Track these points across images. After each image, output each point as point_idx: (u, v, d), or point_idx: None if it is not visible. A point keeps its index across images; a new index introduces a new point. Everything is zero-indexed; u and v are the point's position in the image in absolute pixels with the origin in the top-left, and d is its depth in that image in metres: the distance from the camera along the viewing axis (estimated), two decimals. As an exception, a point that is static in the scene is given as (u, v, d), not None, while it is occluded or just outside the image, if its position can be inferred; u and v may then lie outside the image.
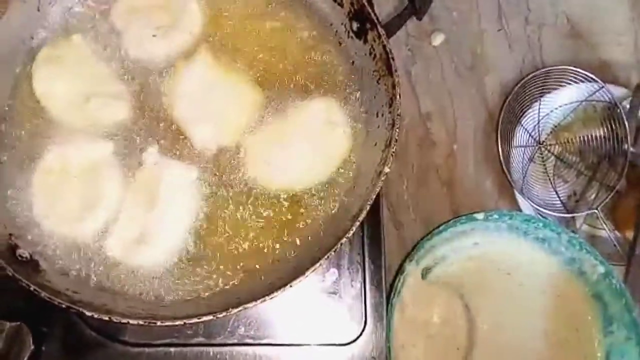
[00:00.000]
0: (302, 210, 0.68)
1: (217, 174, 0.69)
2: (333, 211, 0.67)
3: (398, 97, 0.63)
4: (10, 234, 0.63)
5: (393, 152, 0.61)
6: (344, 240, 0.58)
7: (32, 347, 0.71)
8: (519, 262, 0.85)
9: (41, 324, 0.73)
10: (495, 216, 0.83)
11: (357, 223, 0.59)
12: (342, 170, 0.70)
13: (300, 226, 0.67)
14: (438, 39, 1.02)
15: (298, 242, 0.66)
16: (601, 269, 0.81)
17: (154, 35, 0.72)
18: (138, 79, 0.72)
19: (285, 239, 0.66)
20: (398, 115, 0.62)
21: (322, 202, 0.68)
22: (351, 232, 0.58)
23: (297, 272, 0.58)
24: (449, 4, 1.03)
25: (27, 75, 0.70)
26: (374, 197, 0.60)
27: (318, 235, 0.66)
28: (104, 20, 0.73)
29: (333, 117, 0.71)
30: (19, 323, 0.71)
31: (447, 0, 1.04)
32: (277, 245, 0.66)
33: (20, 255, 0.62)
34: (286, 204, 0.68)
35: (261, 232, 0.67)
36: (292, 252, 0.65)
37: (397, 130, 0.62)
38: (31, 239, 0.65)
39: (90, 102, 0.70)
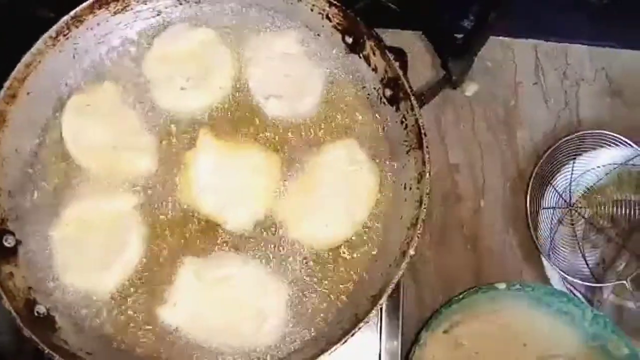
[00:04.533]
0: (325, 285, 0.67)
1: (264, 249, 0.68)
2: (352, 287, 0.66)
3: (428, 174, 0.61)
4: (30, 287, 0.63)
5: (419, 233, 0.59)
6: (362, 325, 0.57)
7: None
8: (539, 333, 0.83)
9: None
10: (517, 287, 0.81)
11: (378, 307, 0.57)
12: (366, 238, 0.68)
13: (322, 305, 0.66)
14: (471, 89, 0.99)
15: (317, 320, 0.65)
16: (626, 351, 0.78)
17: (182, 88, 0.71)
18: (166, 131, 0.71)
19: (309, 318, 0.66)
20: (427, 194, 0.61)
21: (343, 275, 0.67)
22: (371, 315, 0.57)
23: (314, 352, 0.57)
24: (484, 53, 1.00)
25: (57, 121, 0.70)
26: (397, 279, 0.58)
27: (337, 312, 0.65)
28: (136, 68, 0.73)
29: (356, 156, 0.70)
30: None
31: (482, 49, 1.01)
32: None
33: (37, 312, 0.62)
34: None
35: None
36: (312, 331, 0.64)
37: (425, 210, 0.60)
38: (50, 293, 0.65)
39: (117, 153, 0.69)
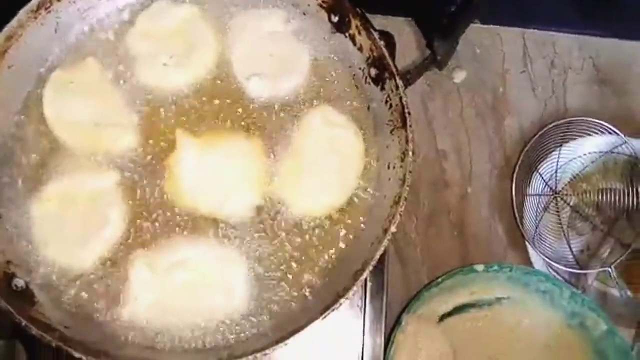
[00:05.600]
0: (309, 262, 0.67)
1: (266, 231, 0.68)
2: (331, 265, 0.66)
3: (411, 153, 0.61)
4: (9, 261, 0.63)
5: (401, 211, 0.59)
6: (342, 300, 0.56)
7: (26, 365, 0.71)
8: (519, 314, 0.83)
9: (35, 342, 0.73)
10: (495, 268, 0.81)
11: (359, 283, 0.57)
12: (348, 221, 0.68)
13: (303, 279, 0.66)
14: (459, 76, 0.99)
15: (297, 296, 0.65)
16: (604, 326, 0.79)
17: (164, 65, 0.70)
18: (148, 108, 0.70)
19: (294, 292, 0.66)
20: (409, 172, 0.61)
21: (321, 254, 0.67)
22: (351, 292, 0.57)
23: (294, 327, 0.57)
24: (472, 40, 1.01)
25: (38, 97, 0.70)
26: (378, 256, 0.58)
27: (319, 287, 0.65)
28: (120, 45, 0.72)
29: (334, 120, 0.70)
30: (13, 340, 0.71)
31: (470, 35, 1.01)
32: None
33: (15, 285, 0.61)
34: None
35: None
36: (291, 307, 0.64)
37: (407, 188, 0.60)
38: (29, 267, 0.64)
39: (99, 129, 0.69)
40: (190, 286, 0.64)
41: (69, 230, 0.65)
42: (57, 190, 0.66)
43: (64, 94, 0.69)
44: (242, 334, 0.63)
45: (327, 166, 0.69)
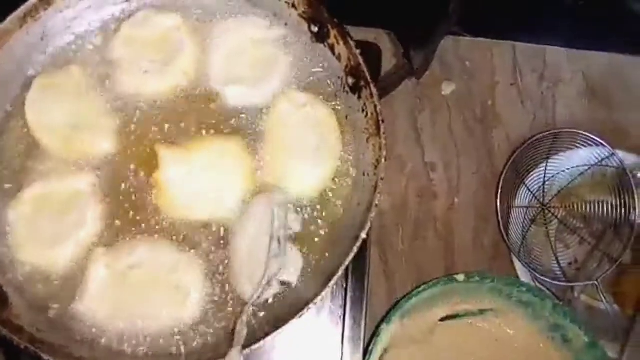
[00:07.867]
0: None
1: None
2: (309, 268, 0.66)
3: (383, 160, 0.61)
4: (-17, 264, 0.63)
5: (372, 217, 0.59)
6: (311, 305, 0.56)
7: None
8: (502, 326, 0.83)
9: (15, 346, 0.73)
10: (477, 278, 0.80)
11: (328, 288, 0.57)
12: (321, 224, 0.69)
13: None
14: (448, 89, 1.00)
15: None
16: (586, 339, 0.78)
17: (145, 72, 0.72)
18: (128, 114, 0.72)
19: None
20: (381, 179, 0.61)
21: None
22: (320, 297, 0.57)
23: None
24: (462, 53, 1.01)
25: (22, 101, 0.71)
26: (349, 261, 0.58)
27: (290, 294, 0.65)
28: (103, 52, 0.74)
29: (298, 101, 0.71)
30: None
31: (460, 50, 1.02)
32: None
33: (-11, 288, 0.62)
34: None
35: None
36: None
37: (379, 194, 0.60)
38: (4, 269, 0.65)
39: (78, 133, 0.70)
40: (146, 289, 0.65)
41: (45, 232, 0.66)
42: (34, 192, 0.67)
43: (46, 98, 0.70)
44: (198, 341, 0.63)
45: (308, 142, 0.70)
